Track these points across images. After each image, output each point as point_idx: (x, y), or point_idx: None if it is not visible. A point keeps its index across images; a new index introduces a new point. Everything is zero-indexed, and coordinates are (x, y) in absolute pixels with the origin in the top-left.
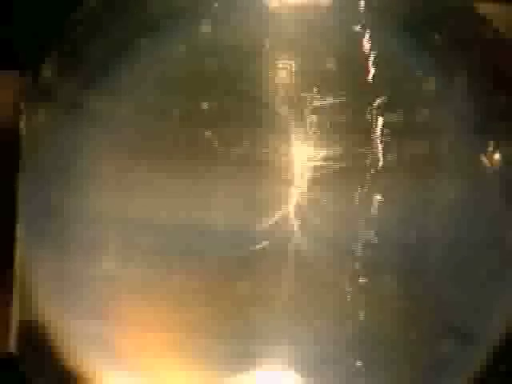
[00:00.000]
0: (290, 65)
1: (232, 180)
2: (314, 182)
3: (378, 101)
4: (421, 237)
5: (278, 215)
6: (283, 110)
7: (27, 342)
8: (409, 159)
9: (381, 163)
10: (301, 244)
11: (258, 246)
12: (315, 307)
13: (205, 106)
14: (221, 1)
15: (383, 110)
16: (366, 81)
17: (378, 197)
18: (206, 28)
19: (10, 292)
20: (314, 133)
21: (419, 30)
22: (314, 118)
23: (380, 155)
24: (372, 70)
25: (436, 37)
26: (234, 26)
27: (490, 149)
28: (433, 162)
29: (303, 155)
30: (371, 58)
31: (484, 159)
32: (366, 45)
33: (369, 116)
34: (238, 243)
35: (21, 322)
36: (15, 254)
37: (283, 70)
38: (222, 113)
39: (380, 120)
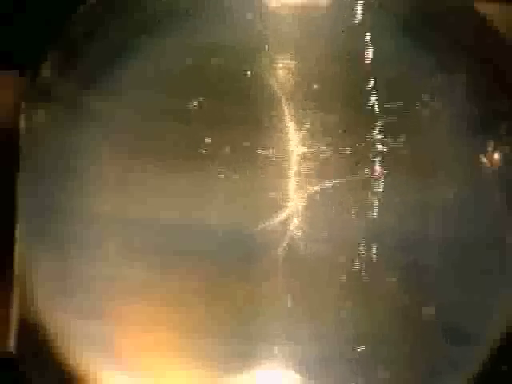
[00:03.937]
0: (290, 65)
1: (231, 180)
2: (313, 181)
3: (378, 100)
4: (421, 237)
5: (278, 215)
6: (282, 110)
7: (27, 342)
8: (409, 159)
9: (380, 163)
10: (301, 244)
11: (258, 246)
12: (315, 307)
13: (204, 105)
14: (220, 1)
15: (383, 109)
16: (365, 81)
17: (378, 196)
18: (205, 28)
19: (10, 292)
20: (314, 133)
21: (419, 30)
22: (314, 118)
23: (380, 155)
24: (371, 70)
25: (436, 37)
26: (234, 26)
27: (490, 149)
28: (432, 162)
29: (302, 155)
30: (371, 58)
31: (484, 159)
32: (366, 45)
33: (368, 116)
34: (237, 243)
35: (21, 321)
36: (15, 253)
37: (283, 70)
38: (221, 113)
39: (380, 120)
